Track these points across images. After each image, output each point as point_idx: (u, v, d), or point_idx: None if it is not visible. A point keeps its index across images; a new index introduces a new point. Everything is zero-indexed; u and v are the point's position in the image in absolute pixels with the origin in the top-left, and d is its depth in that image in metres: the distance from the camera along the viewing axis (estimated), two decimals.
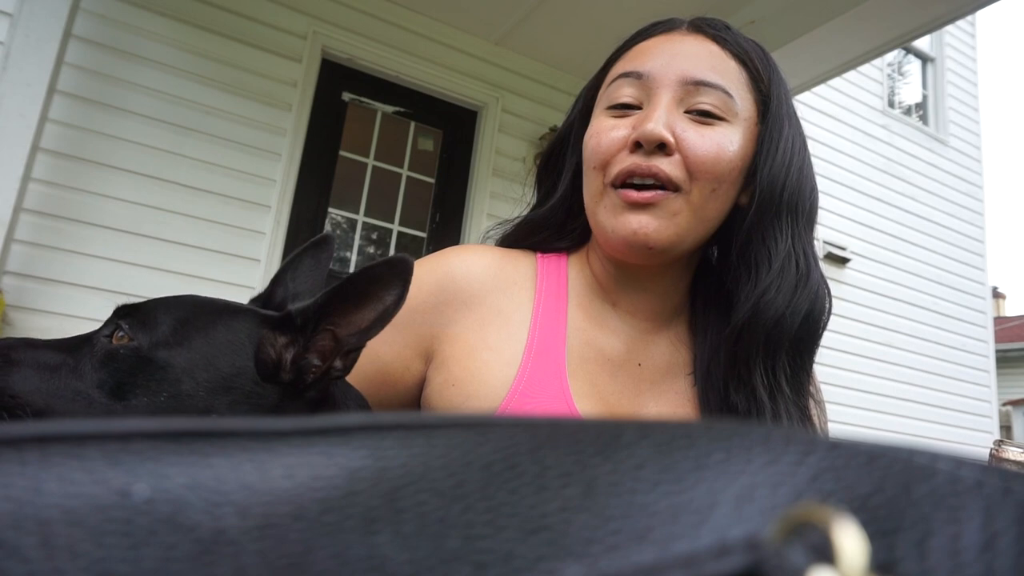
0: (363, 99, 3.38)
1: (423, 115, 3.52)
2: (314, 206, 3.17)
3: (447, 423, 0.17)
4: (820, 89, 4.31)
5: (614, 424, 0.17)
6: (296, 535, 0.13)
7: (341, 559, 0.13)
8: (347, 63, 3.27)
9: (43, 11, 2.37)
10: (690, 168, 0.67)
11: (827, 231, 4.70)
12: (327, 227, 3.28)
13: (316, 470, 0.15)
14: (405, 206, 3.52)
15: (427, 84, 3.41)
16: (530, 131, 3.58)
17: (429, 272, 0.74)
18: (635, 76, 0.71)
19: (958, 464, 0.15)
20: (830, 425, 0.83)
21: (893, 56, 5.79)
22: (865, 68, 4.97)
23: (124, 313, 0.53)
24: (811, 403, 0.74)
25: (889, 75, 5.72)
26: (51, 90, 2.41)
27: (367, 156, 3.45)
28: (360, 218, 3.46)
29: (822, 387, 0.82)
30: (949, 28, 5.93)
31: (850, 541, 0.12)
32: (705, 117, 0.68)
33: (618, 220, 0.69)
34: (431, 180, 3.54)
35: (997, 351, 6.09)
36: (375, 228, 3.54)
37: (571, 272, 0.79)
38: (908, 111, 5.86)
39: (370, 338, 0.54)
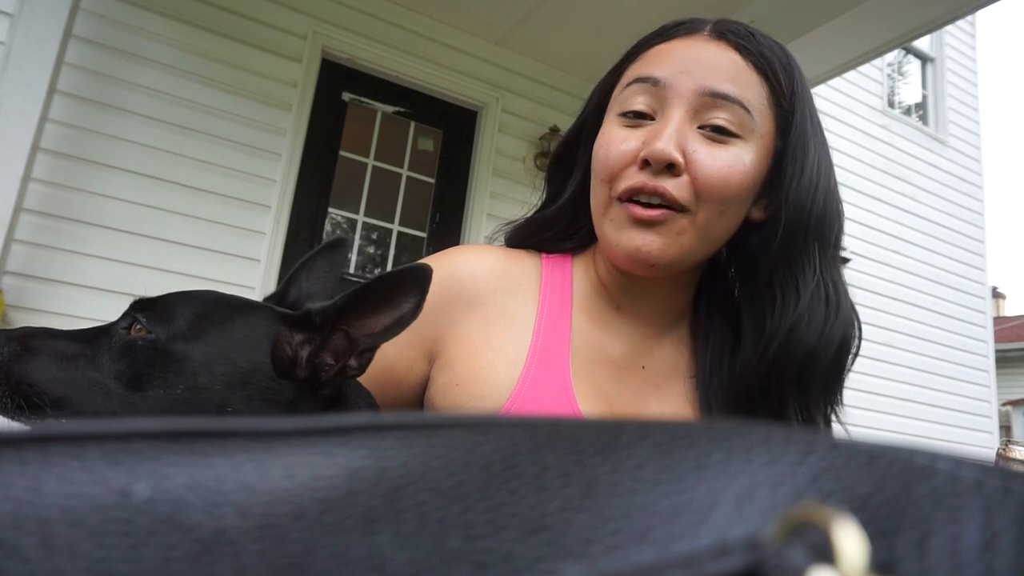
0: (363, 99, 3.38)
1: (423, 115, 3.52)
2: (314, 206, 3.17)
3: (447, 423, 0.17)
4: (820, 89, 4.31)
5: (614, 424, 0.17)
6: (296, 535, 0.13)
7: (341, 559, 0.13)
8: (347, 63, 3.27)
9: (43, 11, 2.37)
10: (698, 190, 0.65)
11: None
12: (327, 227, 3.28)
13: (316, 470, 0.15)
14: (405, 206, 3.52)
15: (427, 84, 3.41)
16: (530, 131, 3.58)
17: (433, 272, 0.74)
18: (651, 82, 0.68)
19: (958, 464, 0.15)
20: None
21: (893, 56, 5.80)
22: (865, 68, 4.97)
23: (141, 307, 0.54)
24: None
25: (889, 75, 5.72)
26: (51, 90, 2.41)
27: (367, 156, 3.45)
28: (360, 218, 3.46)
29: None
30: (949, 28, 5.94)
31: (850, 541, 0.12)
32: (719, 134, 0.66)
33: (623, 235, 0.68)
34: (431, 180, 3.54)
35: (997, 351, 6.10)
36: (375, 228, 3.54)
37: (576, 274, 0.78)
38: (908, 111, 5.87)
39: (384, 341, 0.55)
